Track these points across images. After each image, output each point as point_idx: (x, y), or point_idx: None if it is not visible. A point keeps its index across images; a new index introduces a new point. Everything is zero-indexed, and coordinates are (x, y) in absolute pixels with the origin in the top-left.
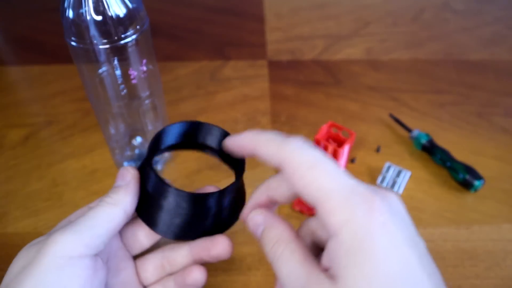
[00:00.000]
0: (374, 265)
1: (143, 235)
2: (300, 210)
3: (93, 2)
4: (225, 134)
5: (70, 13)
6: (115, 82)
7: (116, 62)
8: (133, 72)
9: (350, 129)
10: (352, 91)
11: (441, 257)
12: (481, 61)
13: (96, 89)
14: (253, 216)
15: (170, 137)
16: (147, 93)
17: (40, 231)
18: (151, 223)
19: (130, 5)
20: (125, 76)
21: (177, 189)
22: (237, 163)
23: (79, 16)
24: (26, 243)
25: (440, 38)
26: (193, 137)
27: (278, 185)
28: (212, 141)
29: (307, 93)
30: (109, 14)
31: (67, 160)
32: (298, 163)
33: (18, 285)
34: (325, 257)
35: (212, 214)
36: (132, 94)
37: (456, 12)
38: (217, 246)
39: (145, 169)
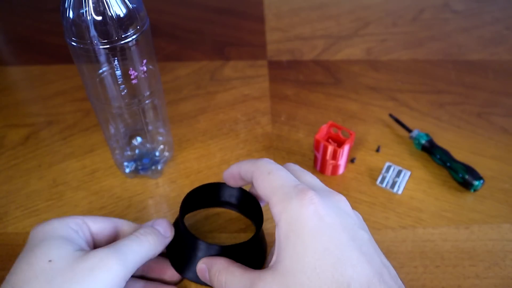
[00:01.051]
0: (304, 243)
1: (169, 275)
2: None
3: (93, 3)
4: (242, 191)
5: (71, 13)
6: (115, 82)
7: (116, 62)
8: (133, 72)
9: (350, 129)
10: (352, 91)
11: (441, 257)
12: (481, 61)
13: (96, 89)
14: (198, 266)
15: (198, 198)
16: (147, 93)
17: None
18: (182, 270)
19: (130, 5)
20: (125, 76)
21: (208, 243)
22: (256, 216)
23: (80, 16)
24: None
25: (440, 38)
26: (215, 196)
27: (246, 173)
28: (232, 198)
29: (307, 93)
30: (109, 14)
31: (67, 160)
32: (261, 171)
33: None
34: (273, 250)
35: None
36: (132, 94)
37: (456, 12)
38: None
39: (178, 224)
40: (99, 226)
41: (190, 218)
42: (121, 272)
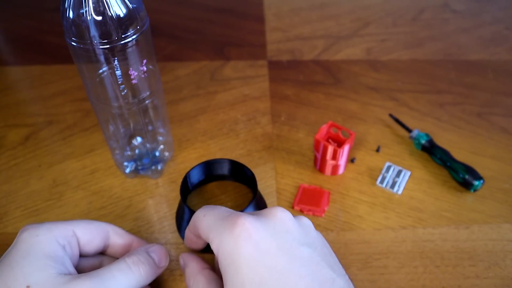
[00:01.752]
0: (241, 276)
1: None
2: (300, 209)
3: (93, 3)
4: (231, 162)
5: (71, 14)
6: (115, 82)
7: (116, 62)
8: (133, 72)
9: (350, 129)
10: (352, 91)
11: (441, 257)
12: (481, 61)
13: (96, 89)
14: (180, 259)
15: (193, 178)
16: (147, 93)
17: None
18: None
19: (130, 5)
20: (125, 76)
21: None
22: (250, 182)
23: (80, 16)
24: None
25: (440, 38)
26: (210, 171)
27: (193, 228)
28: (224, 170)
29: (307, 93)
30: (109, 14)
31: (67, 160)
32: (198, 218)
33: None
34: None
35: None
36: (132, 94)
37: (456, 12)
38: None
39: (182, 205)
40: (89, 237)
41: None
42: None
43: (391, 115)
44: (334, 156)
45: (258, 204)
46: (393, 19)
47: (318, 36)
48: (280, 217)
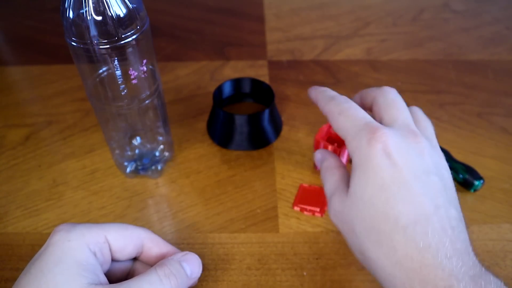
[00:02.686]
0: (366, 177)
1: None
2: (300, 209)
3: (93, 3)
4: (251, 79)
5: (71, 13)
6: (115, 82)
7: (116, 62)
8: (133, 72)
9: None
10: (352, 91)
11: None
12: (481, 61)
13: (96, 89)
14: (316, 154)
15: (224, 91)
16: (147, 93)
17: (40, 231)
18: (224, 142)
19: (130, 5)
20: (125, 76)
21: (240, 114)
22: (267, 97)
23: (80, 16)
24: (26, 243)
25: (440, 38)
26: (237, 88)
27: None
28: (246, 89)
29: (307, 93)
30: (109, 14)
31: (67, 160)
32: (332, 111)
33: None
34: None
35: (263, 126)
36: (132, 94)
37: (456, 12)
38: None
39: (216, 109)
40: (122, 244)
41: (190, 218)
42: None
43: None
44: None
45: (272, 113)
46: (393, 19)
47: (318, 36)
48: (419, 141)
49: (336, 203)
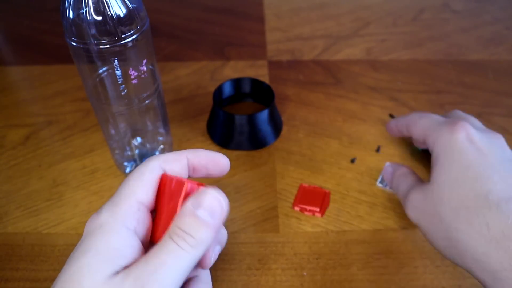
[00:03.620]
0: (451, 160)
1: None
2: (300, 209)
3: (93, 3)
4: (251, 79)
5: (71, 13)
6: (115, 82)
7: (116, 62)
8: (133, 72)
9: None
10: (352, 91)
11: (441, 257)
12: (481, 61)
13: (96, 89)
14: (386, 167)
15: (225, 91)
16: (147, 93)
17: (40, 231)
18: (224, 142)
19: (130, 5)
20: (125, 76)
21: (240, 115)
22: (267, 97)
23: (80, 16)
24: (26, 243)
25: (439, 38)
26: (237, 88)
27: (401, 125)
28: (247, 88)
29: (307, 93)
30: (109, 14)
31: (67, 160)
32: (413, 119)
33: None
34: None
35: (263, 126)
36: (132, 94)
37: (456, 12)
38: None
39: (216, 109)
40: (152, 197)
41: None
42: None
43: (391, 115)
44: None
45: (272, 113)
46: (393, 19)
47: (318, 36)
48: (499, 136)
49: (415, 197)
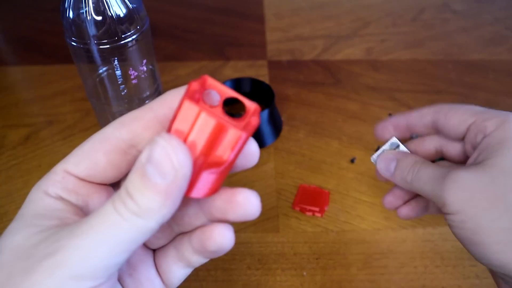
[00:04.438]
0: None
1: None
2: (300, 209)
3: (93, 3)
4: (251, 79)
5: (71, 14)
6: (115, 82)
7: (116, 62)
8: (133, 72)
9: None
10: (352, 91)
11: (441, 257)
12: (481, 61)
13: (96, 89)
14: (385, 155)
15: None
16: (147, 93)
17: None
18: None
19: (130, 5)
20: (125, 76)
21: (240, 114)
22: (267, 97)
23: (80, 16)
24: None
25: (440, 38)
26: (237, 88)
27: (420, 118)
28: (247, 88)
29: (307, 93)
30: (109, 14)
31: None
32: (442, 108)
33: None
34: (474, 154)
35: (263, 126)
36: (132, 94)
37: (456, 12)
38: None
39: None
40: (87, 165)
41: None
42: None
43: (391, 115)
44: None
45: (272, 113)
46: (393, 19)
47: (318, 36)
48: None
49: (465, 178)
